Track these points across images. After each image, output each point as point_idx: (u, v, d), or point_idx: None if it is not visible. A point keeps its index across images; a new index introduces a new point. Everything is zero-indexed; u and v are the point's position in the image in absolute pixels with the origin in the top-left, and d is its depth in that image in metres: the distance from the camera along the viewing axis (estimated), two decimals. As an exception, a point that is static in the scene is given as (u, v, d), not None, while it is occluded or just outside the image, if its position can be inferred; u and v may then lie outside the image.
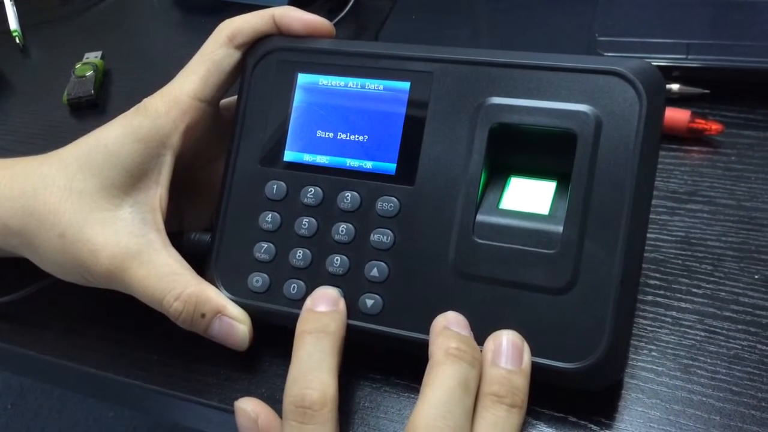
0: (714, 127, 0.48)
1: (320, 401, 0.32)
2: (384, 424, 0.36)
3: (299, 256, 0.38)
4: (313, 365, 0.33)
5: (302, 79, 0.40)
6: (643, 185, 0.34)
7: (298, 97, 0.40)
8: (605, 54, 0.52)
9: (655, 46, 0.52)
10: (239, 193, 0.40)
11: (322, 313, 0.35)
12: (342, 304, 0.36)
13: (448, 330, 0.34)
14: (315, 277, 0.38)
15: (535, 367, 0.33)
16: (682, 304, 0.39)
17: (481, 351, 0.34)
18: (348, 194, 0.38)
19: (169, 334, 0.39)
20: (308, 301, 0.36)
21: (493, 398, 0.32)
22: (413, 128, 0.37)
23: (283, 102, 0.40)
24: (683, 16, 0.55)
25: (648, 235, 0.37)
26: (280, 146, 0.40)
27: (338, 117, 0.39)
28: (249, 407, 0.34)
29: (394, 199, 0.37)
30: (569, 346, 0.33)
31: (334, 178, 0.38)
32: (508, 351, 0.33)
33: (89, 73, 0.62)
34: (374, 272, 0.37)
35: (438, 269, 0.36)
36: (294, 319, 0.37)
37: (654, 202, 0.35)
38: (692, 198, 0.45)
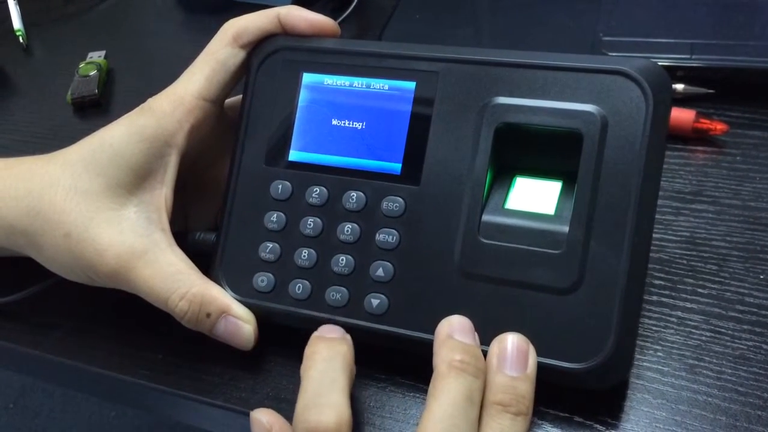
0: (719, 127, 0.48)
1: (336, 429, 0.31)
2: (389, 423, 0.36)
3: (304, 256, 0.38)
4: (326, 386, 0.33)
5: (307, 78, 0.40)
6: (649, 185, 0.34)
7: (303, 96, 0.40)
8: (609, 54, 0.52)
9: (659, 46, 0.52)
10: (244, 193, 0.40)
11: (332, 338, 0.35)
12: (348, 337, 0.36)
13: (452, 340, 0.33)
14: (320, 276, 0.38)
15: (540, 367, 0.33)
16: (688, 304, 0.39)
17: (485, 351, 0.34)
18: (353, 194, 0.38)
19: (174, 333, 0.39)
20: (315, 333, 0.36)
21: (498, 407, 0.32)
22: (419, 128, 0.37)
23: (287, 101, 0.40)
24: (687, 15, 0.54)
25: (653, 235, 0.37)
26: (285, 146, 0.40)
27: (343, 116, 0.39)
28: (264, 418, 0.34)
29: (400, 199, 0.37)
30: (575, 347, 0.33)
31: (339, 177, 0.38)
32: (512, 356, 0.33)
33: (93, 72, 0.62)
34: (380, 272, 0.37)
35: (443, 269, 0.36)
36: (299, 318, 0.37)
37: (659, 202, 0.35)
38: (697, 198, 0.45)
